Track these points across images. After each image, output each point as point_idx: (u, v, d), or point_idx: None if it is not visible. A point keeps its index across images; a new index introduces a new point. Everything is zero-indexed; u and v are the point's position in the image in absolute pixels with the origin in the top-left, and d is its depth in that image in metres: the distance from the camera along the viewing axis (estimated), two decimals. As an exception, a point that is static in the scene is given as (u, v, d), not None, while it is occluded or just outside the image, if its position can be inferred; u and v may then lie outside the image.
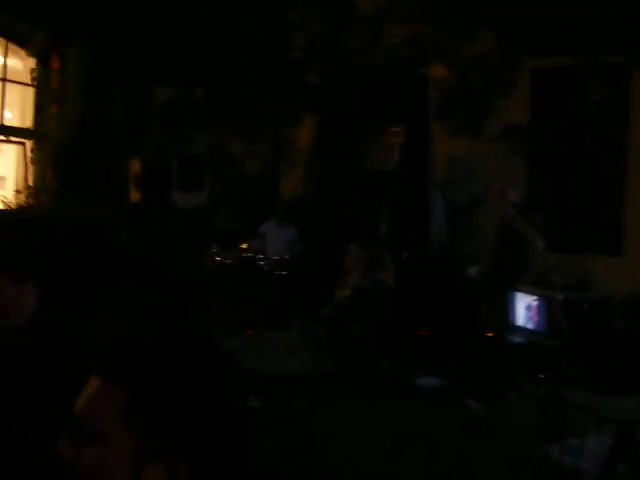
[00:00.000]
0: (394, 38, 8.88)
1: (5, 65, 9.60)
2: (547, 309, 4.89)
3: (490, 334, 5.70)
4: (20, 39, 9.54)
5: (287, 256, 8.28)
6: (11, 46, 9.60)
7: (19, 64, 9.88)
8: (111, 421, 1.04)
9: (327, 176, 9.40)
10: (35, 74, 9.75)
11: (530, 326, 5.03)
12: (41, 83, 9.78)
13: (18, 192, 9.39)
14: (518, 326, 5.19)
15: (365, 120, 9.15)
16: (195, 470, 1.07)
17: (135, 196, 9.83)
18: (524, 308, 5.19)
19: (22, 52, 9.67)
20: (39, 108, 9.80)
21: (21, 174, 9.77)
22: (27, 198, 9.29)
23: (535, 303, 5.03)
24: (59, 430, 1.09)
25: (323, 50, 9.54)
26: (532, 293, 5.13)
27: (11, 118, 9.95)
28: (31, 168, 9.76)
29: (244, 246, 8.32)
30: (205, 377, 1.11)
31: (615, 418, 3.92)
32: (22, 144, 9.79)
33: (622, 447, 3.72)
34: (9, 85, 9.75)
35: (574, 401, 4.29)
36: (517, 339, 5.47)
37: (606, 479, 3.77)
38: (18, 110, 10.02)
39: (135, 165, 9.85)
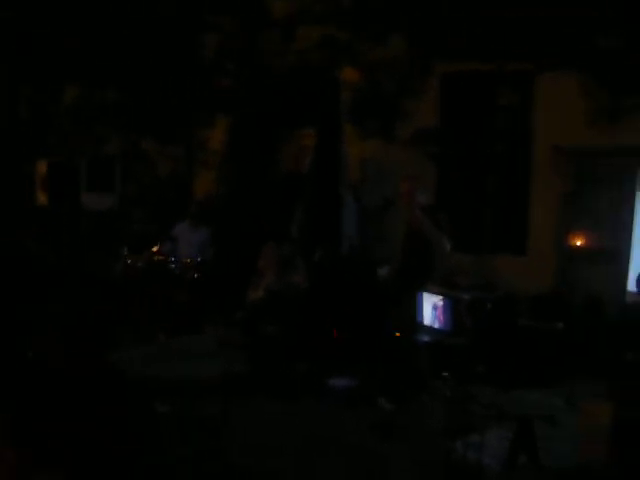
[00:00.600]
0: (306, 41, 8.94)
1: None
2: (452, 308, 5.02)
3: (398, 334, 5.80)
4: None
5: (199, 259, 8.21)
6: None
7: None
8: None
9: (240, 178, 9.36)
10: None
11: (437, 325, 5.15)
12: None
13: None
14: (425, 326, 5.31)
15: (278, 122, 9.16)
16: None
17: (42, 198, 9.55)
18: (431, 308, 5.32)
19: None
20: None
21: None
22: None
23: (441, 303, 5.16)
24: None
25: (236, 52, 9.52)
26: (438, 293, 5.25)
27: None
28: None
29: (155, 249, 8.19)
30: (91, 393, 1.10)
31: (516, 413, 4.05)
32: None
33: (521, 440, 3.85)
34: None
35: (479, 398, 4.41)
36: (425, 339, 5.59)
37: (507, 472, 3.89)
38: None
39: (42, 166, 9.57)
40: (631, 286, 6.99)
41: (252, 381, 6.07)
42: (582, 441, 3.62)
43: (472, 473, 3.91)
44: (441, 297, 5.17)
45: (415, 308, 5.38)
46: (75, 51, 9.56)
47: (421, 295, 5.38)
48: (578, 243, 7.75)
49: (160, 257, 8.15)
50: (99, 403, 1.00)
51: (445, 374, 4.30)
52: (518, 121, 8.44)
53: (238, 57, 9.52)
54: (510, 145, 8.41)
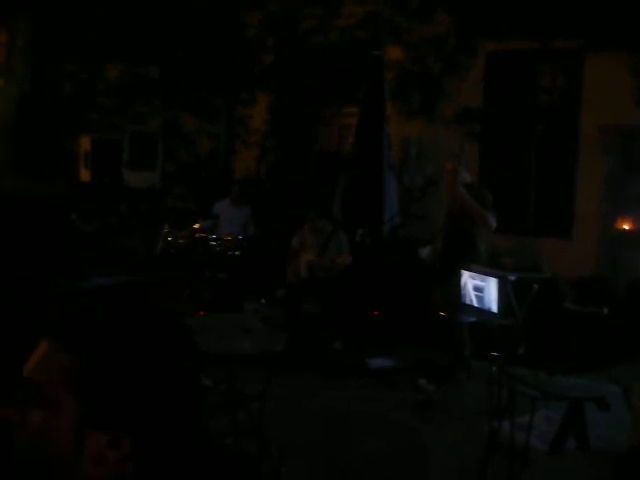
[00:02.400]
0: (349, 18, 8.85)
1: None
2: (498, 289, 4.94)
3: (442, 314, 5.75)
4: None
5: (240, 236, 8.22)
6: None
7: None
8: (57, 385, 1.02)
9: (281, 156, 9.34)
10: (-19, 48, 9.50)
11: (481, 306, 5.09)
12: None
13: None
14: (469, 306, 5.24)
15: (320, 100, 9.11)
16: (140, 444, 1.04)
17: (85, 174, 9.63)
18: (474, 288, 5.25)
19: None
20: (-15, 82, 9.56)
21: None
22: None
23: (486, 283, 5.09)
24: (3, 393, 1.06)
25: (278, 29, 9.47)
26: (483, 273, 5.18)
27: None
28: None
29: (196, 226, 8.21)
30: (154, 353, 1.08)
31: (564, 395, 3.98)
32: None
33: (570, 423, 3.79)
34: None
35: (524, 379, 4.34)
36: (469, 319, 5.52)
37: (554, 454, 3.84)
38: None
39: (85, 142, 9.64)
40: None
41: (292, 359, 6.08)
42: (635, 424, 3.54)
43: (518, 454, 3.86)
44: (486, 277, 5.10)
45: (459, 288, 5.31)
46: (118, 27, 9.59)
47: (466, 275, 5.31)
48: (625, 227, 7.59)
49: (201, 234, 8.17)
50: (162, 370, 0.98)
51: (491, 355, 4.24)
52: (565, 100, 8.30)
53: (280, 34, 9.47)
54: (556, 125, 8.27)
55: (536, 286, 5.51)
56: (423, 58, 8.66)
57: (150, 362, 1.08)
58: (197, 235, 8.22)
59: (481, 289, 5.22)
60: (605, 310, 6.74)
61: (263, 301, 5.97)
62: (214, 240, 8.13)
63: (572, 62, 8.14)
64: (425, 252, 6.92)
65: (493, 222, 6.15)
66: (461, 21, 8.39)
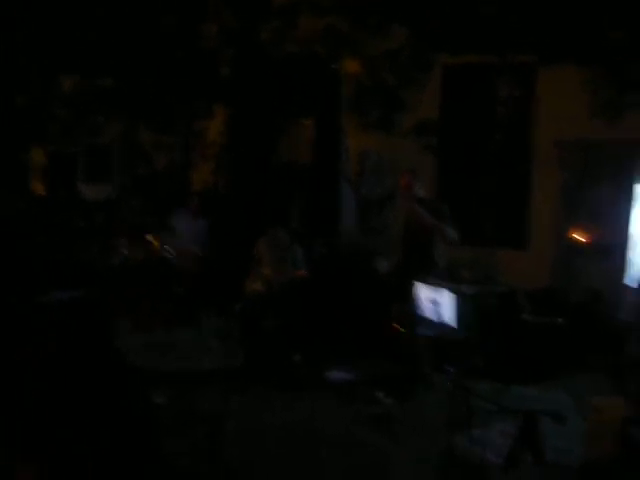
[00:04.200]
0: (307, 31, 8.86)
1: None
2: (455, 303, 4.97)
3: (400, 328, 5.76)
4: None
5: (197, 250, 8.15)
6: None
7: None
8: None
9: (238, 169, 9.29)
10: None
11: (438, 319, 5.11)
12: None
13: None
14: (426, 319, 5.27)
15: (277, 113, 9.09)
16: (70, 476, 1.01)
17: (37, 187, 9.47)
18: (432, 302, 5.27)
19: None
20: None
21: None
22: None
23: (442, 296, 5.12)
24: None
25: (236, 41, 9.44)
26: (440, 286, 5.21)
27: None
28: None
29: (153, 240, 8.12)
30: (86, 378, 1.05)
31: (519, 408, 4.00)
32: None
33: (525, 437, 3.81)
34: None
35: (480, 392, 4.36)
36: (426, 332, 5.54)
37: (510, 468, 3.85)
38: None
39: (39, 155, 9.49)
40: (630, 281, 6.94)
41: (250, 374, 6.03)
42: (590, 437, 3.58)
43: (475, 468, 3.87)
44: (443, 290, 5.13)
45: (416, 302, 5.33)
46: (72, 39, 9.47)
47: (422, 288, 5.33)
48: (579, 237, 7.71)
49: (157, 248, 8.09)
50: (98, 391, 0.95)
51: (447, 368, 4.25)
52: (519, 114, 8.40)
53: (237, 46, 9.44)
54: (511, 138, 8.37)
55: (492, 299, 5.57)
56: (380, 71, 8.70)
57: (81, 388, 1.05)
58: (154, 249, 8.14)
59: (438, 302, 5.24)
60: (560, 320, 6.82)
61: (220, 316, 5.91)
62: (170, 253, 8.06)
63: (526, 76, 8.26)
64: (383, 265, 6.94)
65: (453, 234, 6.19)
66: (417, 35, 8.46)
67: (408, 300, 5.85)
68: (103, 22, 9.38)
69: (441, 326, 5.29)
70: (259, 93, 8.97)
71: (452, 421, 4.16)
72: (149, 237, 8.31)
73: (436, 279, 5.65)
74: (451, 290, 5.04)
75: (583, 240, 7.64)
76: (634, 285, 6.64)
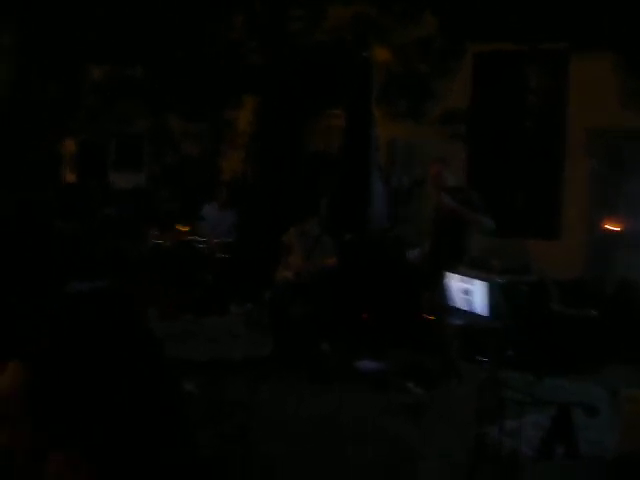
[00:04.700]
0: (337, 19, 8.80)
1: None
2: (486, 292, 4.92)
3: (430, 317, 5.72)
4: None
5: (228, 239, 8.17)
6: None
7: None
8: (16, 403, 0.98)
9: (268, 158, 9.29)
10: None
11: (470, 309, 5.06)
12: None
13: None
14: (458, 309, 5.22)
15: (307, 102, 9.05)
16: (102, 466, 1.00)
17: (70, 177, 9.55)
18: (463, 291, 5.22)
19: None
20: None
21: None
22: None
23: (474, 286, 5.07)
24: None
25: (265, 30, 9.42)
26: (471, 276, 5.16)
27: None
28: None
29: (184, 228, 8.16)
30: (118, 369, 1.03)
31: (552, 400, 3.95)
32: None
33: (559, 429, 3.76)
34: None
35: (512, 383, 4.31)
36: (457, 322, 5.50)
37: (543, 460, 3.80)
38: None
39: (70, 145, 9.56)
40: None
41: (279, 362, 6.03)
42: (624, 429, 3.52)
43: (506, 460, 3.83)
44: (474, 280, 5.08)
45: (447, 291, 5.29)
46: (103, 28, 9.51)
47: (454, 278, 5.28)
48: (612, 227, 7.59)
49: (188, 237, 8.13)
50: (127, 389, 0.94)
51: (480, 358, 4.21)
52: (551, 101, 8.29)
53: (266, 35, 9.42)
54: (543, 126, 8.26)
55: (524, 288, 5.51)
56: (410, 59, 8.63)
57: (113, 378, 1.03)
58: (184, 238, 8.18)
59: (469, 292, 5.19)
60: (593, 312, 6.73)
61: (249, 305, 5.91)
62: (202, 243, 8.10)
63: (558, 64, 8.14)
64: (414, 254, 6.90)
65: (488, 223, 6.13)
66: (448, 23, 8.37)
67: (438, 289, 5.81)
68: (133, 10, 9.41)
69: (472, 315, 5.25)
70: (288, 82, 8.94)
71: (483, 412, 4.12)
72: (178, 226, 8.36)
73: (467, 268, 5.60)
74: (482, 279, 4.99)
75: (616, 229, 7.53)
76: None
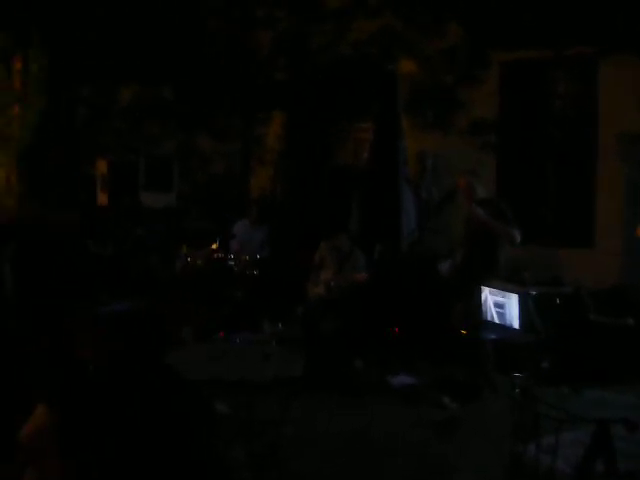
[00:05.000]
0: (361, 33, 8.81)
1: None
2: (519, 304, 4.87)
3: (463, 331, 5.66)
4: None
5: (259, 256, 8.18)
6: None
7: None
8: (46, 444, 1.01)
9: (297, 174, 9.30)
10: (-3, 75, 9.58)
11: (503, 322, 5.00)
12: (3, 84, 9.60)
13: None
14: (491, 323, 5.17)
15: (334, 116, 9.06)
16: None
17: (102, 198, 9.66)
18: (496, 304, 5.17)
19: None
20: (1, 109, 9.62)
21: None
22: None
23: (507, 299, 5.01)
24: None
25: (290, 47, 9.46)
26: (504, 289, 5.10)
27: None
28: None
29: (214, 246, 8.18)
30: (142, 407, 1.03)
31: (590, 416, 3.86)
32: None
33: (598, 446, 3.67)
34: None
35: (547, 398, 4.23)
36: (491, 336, 5.43)
37: (582, 477, 3.72)
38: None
39: (101, 165, 9.68)
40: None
41: (311, 379, 6.00)
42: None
43: (544, 478, 3.75)
44: (507, 293, 5.02)
45: (480, 304, 5.24)
46: (131, 49, 9.64)
47: (486, 291, 5.23)
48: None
49: (219, 255, 8.14)
50: (155, 405, 0.94)
51: (515, 374, 4.14)
52: (581, 108, 8.20)
53: (292, 51, 9.46)
54: (574, 133, 8.17)
55: (559, 300, 5.42)
56: (436, 70, 8.59)
57: (135, 417, 1.03)
58: (215, 255, 8.20)
59: (502, 305, 5.13)
60: (630, 320, 6.60)
61: (280, 325, 5.90)
62: (232, 260, 8.11)
63: (586, 69, 8.06)
64: (445, 267, 6.84)
65: (517, 235, 6.07)
66: (473, 32, 8.33)
67: (470, 302, 5.75)
68: (161, 31, 9.51)
69: (506, 329, 5.19)
70: (315, 97, 8.95)
71: (518, 428, 4.04)
72: (209, 244, 8.38)
73: (499, 281, 5.53)
74: (515, 292, 4.94)
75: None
76: None
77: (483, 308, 5.26)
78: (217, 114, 9.79)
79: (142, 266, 8.38)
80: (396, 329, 6.98)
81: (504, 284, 5.33)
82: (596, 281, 7.16)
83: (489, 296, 5.23)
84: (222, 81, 9.59)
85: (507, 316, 5.01)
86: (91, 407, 1.02)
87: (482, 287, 5.32)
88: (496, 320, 5.12)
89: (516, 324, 4.90)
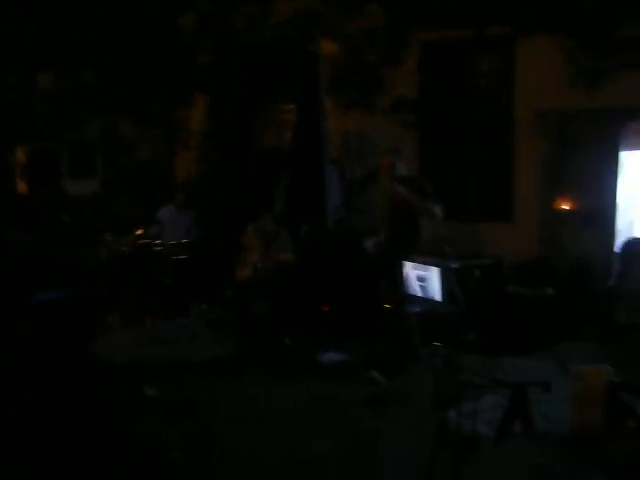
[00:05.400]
0: (282, 15, 8.80)
1: None
2: (441, 278, 4.99)
3: (387, 305, 5.77)
4: None
5: (185, 240, 8.13)
6: None
7: None
8: None
9: (221, 157, 9.26)
10: None
11: (425, 296, 5.13)
12: None
13: None
14: (414, 296, 5.29)
15: (257, 99, 9.04)
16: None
17: (22, 187, 9.42)
18: (419, 278, 5.29)
19: None
20: None
21: None
22: None
23: (429, 273, 5.13)
24: None
25: (212, 30, 9.38)
26: (426, 263, 5.23)
27: None
28: None
29: (139, 232, 8.10)
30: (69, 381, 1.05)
31: (508, 380, 4.03)
32: None
33: (515, 408, 3.83)
34: None
35: (469, 366, 4.38)
36: (414, 309, 5.56)
37: (502, 439, 3.88)
38: None
39: (21, 154, 9.43)
40: (618, 249, 6.96)
41: (242, 360, 6.03)
42: (577, 405, 3.60)
43: (466, 441, 3.89)
44: (429, 267, 5.15)
45: (403, 279, 5.35)
46: (49, 35, 9.39)
47: (408, 266, 5.35)
48: (564, 207, 7.72)
49: (145, 240, 8.07)
50: (77, 391, 0.95)
51: (436, 343, 4.26)
52: (499, 86, 8.39)
53: (214, 35, 9.38)
54: (492, 111, 8.36)
55: (478, 272, 5.59)
56: (357, 50, 8.66)
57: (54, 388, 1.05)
58: (140, 241, 8.12)
59: (424, 279, 5.26)
60: (549, 291, 6.83)
61: (205, 306, 5.91)
62: (158, 245, 8.05)
63: (505, 48, 8.23)
64: (370, 245, 6.95)
65: (438, 211, 6.20)
66: (393, 12, 8.41)
67: (395, 278, 5.86)
68: (81, 16, 9.30)
69: (429, 302, 5.32)
70: (237, 80, 8.92)
71: (442, 396, 4.17)
72: (136, 230, 8.29)
73: (422, 256, 5.66)
74: (436, 265, 5.06)
75: (568, 208, 7.65)
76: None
77: (406, 282, 5.37)
78: (139, 98, 9.64)
79: (67, 254, 8.23)
80: (325, 307, 7.06)
81: (426, 258, 5.46)
82: (516, 254, 7.39)
83: (412, 270, 5.35)
84: (144, 64, 9.44)
85: (429, 289, 5.14)
86: (14, 393, 1.02)
87: (405, 262, 5.44)
88: (419, 293, 5.24)
89: (438, 297, 5.03)
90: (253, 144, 9.16)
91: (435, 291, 5.16)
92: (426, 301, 5.25)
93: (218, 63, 9.27)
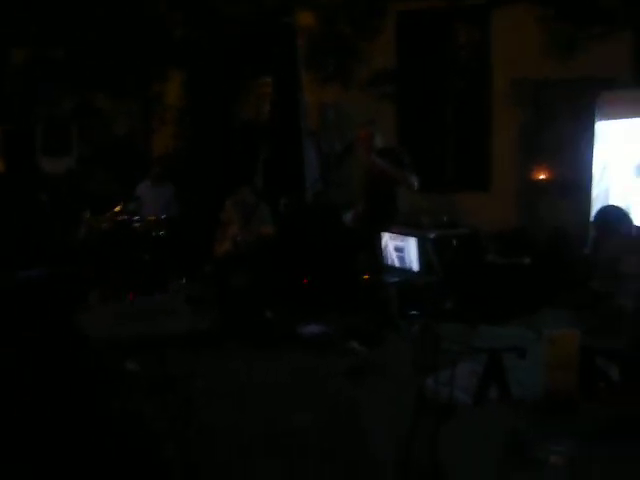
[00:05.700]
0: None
1: None
2: (418, 248, 5.03)
3: (365, 277, 5.80)
4: None
5: (164, 216, 8.10)
6: None
7: None
8: None
9: (199, 131, 9.21)
10: None
11: (403, 266, 5.17)
12: None
13: None
14: (392, 266, 5.33)
15: (234, 72, 8.98)
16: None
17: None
18: (396, 249, 5.32)
19: None
20: None
21: None
22: None
23: (406, 243, 5.17)
24: None
25: (187, 2, 9.28)
26: (403, 233, 5.26)
27: None
28: None
29: (118, 209, 8.05)
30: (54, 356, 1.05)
31: (484, 347, 4.08)
32: None
33: (491, 374, 3.88)
34: None
35: (447, 334, 4.42)
36: (392, 279, 5.59)
37: (478, 405, 3.93)
38: None
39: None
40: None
41: (222, 334, 6.05)
42: (549, 369, 3.65)
43: (444, 408, 3.94)
44: (406, 237, 5.18)
45: (381, 250, 5.38)
46: (19, 10, 9.24)
47: (386, 236, 5.37)
48: (541, 177, 7.77)
49: (123, 217, 8.02)
50: (61, 367, 0.96)
51: (413, 312, 4.30)
52: (476, 56, 8.40)
53: (190, 7, 9.27)
54: (469, 81, 8.37)
55: (455, 242, 5.64)
56: (333, 21, 8.61)
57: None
58: (119, 218, 8.07)
59: (402, 249, 5.29)
60: (526, 260, 6.90)
61: (184, 280, 5.91)
62: (137, 222, 8.01)
63: (481, 18, 8.23)
64: (348, 217, 6.96)
65: (415, 181, 6.22)
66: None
67: (374, 249, 5.89)
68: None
69: (407, 272, 5.35)
70: (213, 54, 8.85)
71: (420, 364, 4.22)
72: (114, 207, 8.24)
73: (399, 226, 5.69)
74: (413, 235, 5.09)
75: (545, 177, 7.71)
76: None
77: (384, 253, 5.40)
78: (114, 72, 9.53)
79: (45, 232, 8.18)
80: (305, 280, 7.08)
81: (403, 229, 5.49)
82: (493, 224, 7.44)
83: (389, 241, 5.38)
84: (117, 37, 9.33)
85: (407, 259, 5.17)
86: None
87: (383, 233, 5.46)
88: (397, 264, 5.28)
89: (416, 267, 5.07)
90: (230, 118, 9.11)
91: (413, 261, 5.20)
92: (404, 271, 5.29)
93: (193, 36, 9.18)
